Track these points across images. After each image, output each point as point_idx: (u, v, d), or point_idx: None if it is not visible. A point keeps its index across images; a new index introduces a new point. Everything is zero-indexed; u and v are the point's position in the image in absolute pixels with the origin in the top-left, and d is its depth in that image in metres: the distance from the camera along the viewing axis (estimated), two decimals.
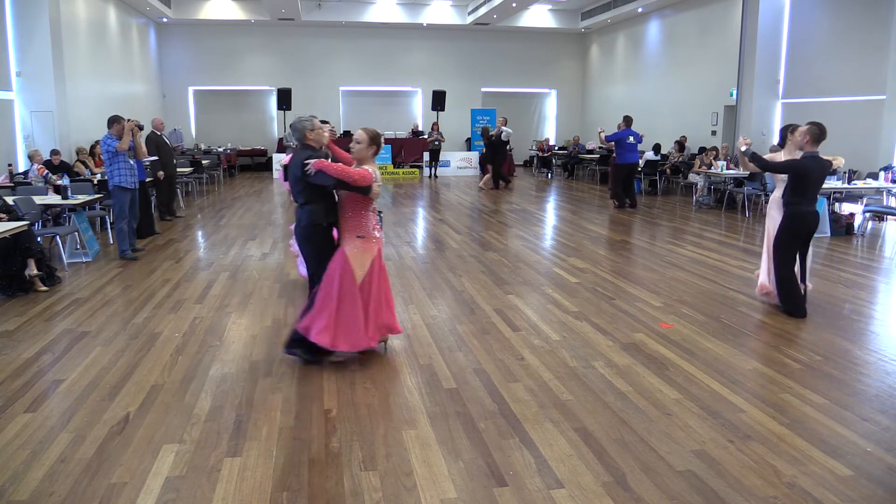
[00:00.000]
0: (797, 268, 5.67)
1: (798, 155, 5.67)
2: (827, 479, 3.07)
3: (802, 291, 5.68)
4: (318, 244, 4.51)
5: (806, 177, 5.50)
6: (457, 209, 12.36)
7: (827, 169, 5.63)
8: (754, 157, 5.78)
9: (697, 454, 3.31)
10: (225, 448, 3.38)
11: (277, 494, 2.97)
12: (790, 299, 5.64)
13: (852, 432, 3.53)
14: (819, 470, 3.16)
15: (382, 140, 4.46)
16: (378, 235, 4.48)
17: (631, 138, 12.17)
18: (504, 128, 15.85)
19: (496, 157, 16.01)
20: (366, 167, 4.26)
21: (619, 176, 12.42)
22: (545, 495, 2.96)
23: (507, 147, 16.38)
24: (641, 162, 14.41)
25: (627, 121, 12.42)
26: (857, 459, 3.25)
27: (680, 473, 3.13)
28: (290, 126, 4.51)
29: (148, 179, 9.70)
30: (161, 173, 10.32)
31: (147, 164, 9.56)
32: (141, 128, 8.36)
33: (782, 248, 5.64)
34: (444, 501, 2.91)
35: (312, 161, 4.20)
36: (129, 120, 7.93)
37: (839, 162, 5.98)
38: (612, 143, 12.44)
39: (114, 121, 7.79)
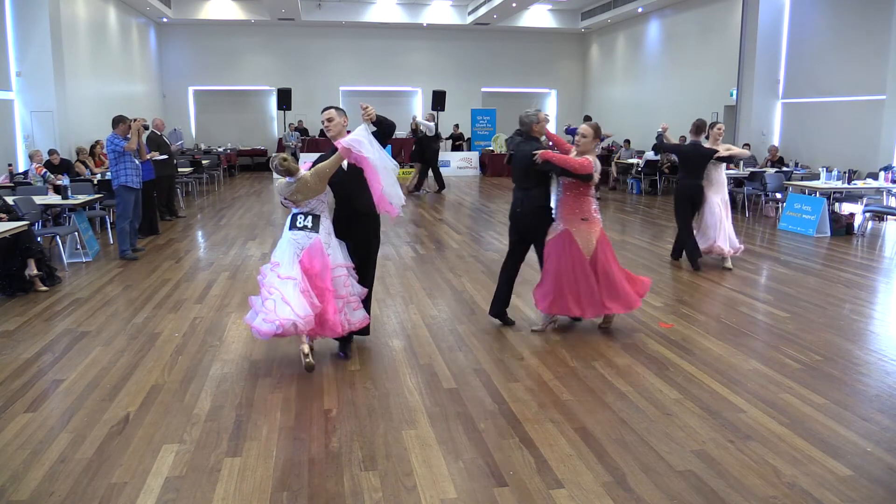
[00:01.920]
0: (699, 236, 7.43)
1: (721, 146, 7.35)
2: (827, 479, 3.07)
3: (698, 249, 7.35)
4: (543, 221, 5.08)
5: (685, 159, 7.43)
6: (457, 209, 12.36)
7: (705, 155, 7.26)
8: (658, 138, 7.46)
9: (697, 454, 3.31)
10: (225, 448, 3.38)
11: (277, 494, 2.97)
12: (690, 249, 7.37)
13: (852, 432, 3.53)
14: (819, 470, 3.16)
15: (602, 132, 5.17)
16: (597, 217, 5.02)
17: None
18: (423, 121, 14.28)
19: (425, 155, 14.33)
20: (587, 157, 4.81)
21: None
22: (545, 495, 2.96)
23: (438, 144, 14.95)
24: (641, 162, 14.52)
25: (586, 120, 13.54)
26: (857, 459, 3.25)
27: (680, 473, 3.13)
28: (519, 119, 5.10)
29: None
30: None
31: (155, 161, 9.62)
32: (147, 128, 8.38)
33: (677, 211, 7.53)
34: (444, 501, 2.91)
35: (539, 152, 4.80)
36: (135, 120, 7.95)
37: (727, 151, 7.27)
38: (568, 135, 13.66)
39: (119, 121, 7.79)
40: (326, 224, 4.46)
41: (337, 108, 4.53)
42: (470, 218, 11.27)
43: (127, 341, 5.00)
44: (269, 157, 20.02)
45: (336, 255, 4.44)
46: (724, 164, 7.46)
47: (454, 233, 9.73)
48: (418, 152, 14.50)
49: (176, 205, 11.41)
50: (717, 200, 7.29)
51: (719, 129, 7.38)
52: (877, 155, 11.54)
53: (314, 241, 4.35)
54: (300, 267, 4.30)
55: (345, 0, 19.51)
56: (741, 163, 12.30)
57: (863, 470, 3.16)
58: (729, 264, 7.27)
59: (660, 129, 7.47)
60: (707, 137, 7.54)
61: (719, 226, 7.24)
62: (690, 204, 7.38)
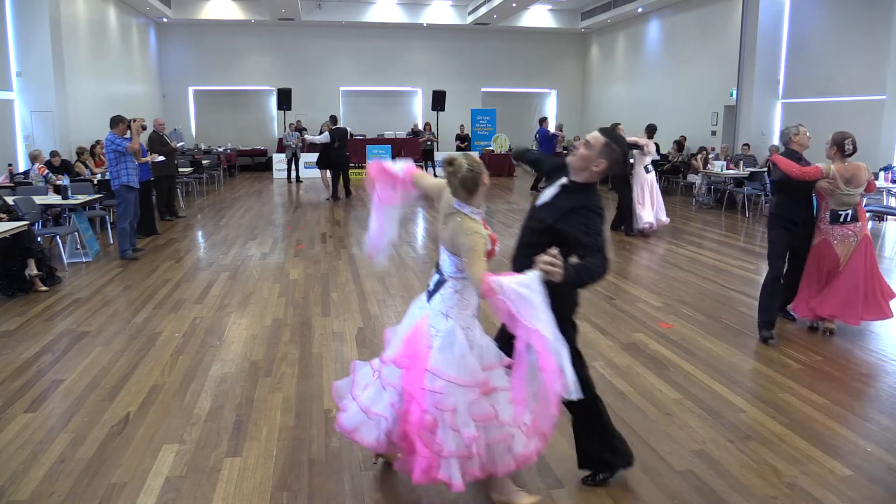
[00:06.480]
0: None
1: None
2: (827, 479, 3.08)
3: None
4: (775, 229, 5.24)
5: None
6: None
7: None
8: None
9: (697, 454, 3.31)
10: (225, 448, 3.38)
11: (277, 494, 2.97)
12: None
13: (852, 432, 3.54)
14: (819, 470, 3.16)
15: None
16: (859, 225, 5.07)
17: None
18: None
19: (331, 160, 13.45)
20: (819, 165, 4.98)
21: None
22: (545, 495, 2.96)
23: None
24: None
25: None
26: (857, 459, 3.25)
27: (680, 473, 3.13)
28: (781, 133, 5.91)
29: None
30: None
31: (155, 162, 9.62)
32: (144, 128, 8.41)
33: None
34: (444, 501, 2.91)
35: (774, 156, 5.64)
36: (133, 120, 7.96)
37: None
38: None
39: (118, 120, 7.79)
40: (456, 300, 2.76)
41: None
42: None
43: (127, 341, 5.00)
44: (268, 157, 19.98)
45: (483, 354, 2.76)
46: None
47: None
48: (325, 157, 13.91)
49: (176, 205, 11.40)
50: None
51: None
52: (877, 155, 11.52)
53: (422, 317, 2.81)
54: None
55: (345, 0, 19.51)
56: (741, 162, 12.32)
57: (863, 470, 3.16)
58: None
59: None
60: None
61: None
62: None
